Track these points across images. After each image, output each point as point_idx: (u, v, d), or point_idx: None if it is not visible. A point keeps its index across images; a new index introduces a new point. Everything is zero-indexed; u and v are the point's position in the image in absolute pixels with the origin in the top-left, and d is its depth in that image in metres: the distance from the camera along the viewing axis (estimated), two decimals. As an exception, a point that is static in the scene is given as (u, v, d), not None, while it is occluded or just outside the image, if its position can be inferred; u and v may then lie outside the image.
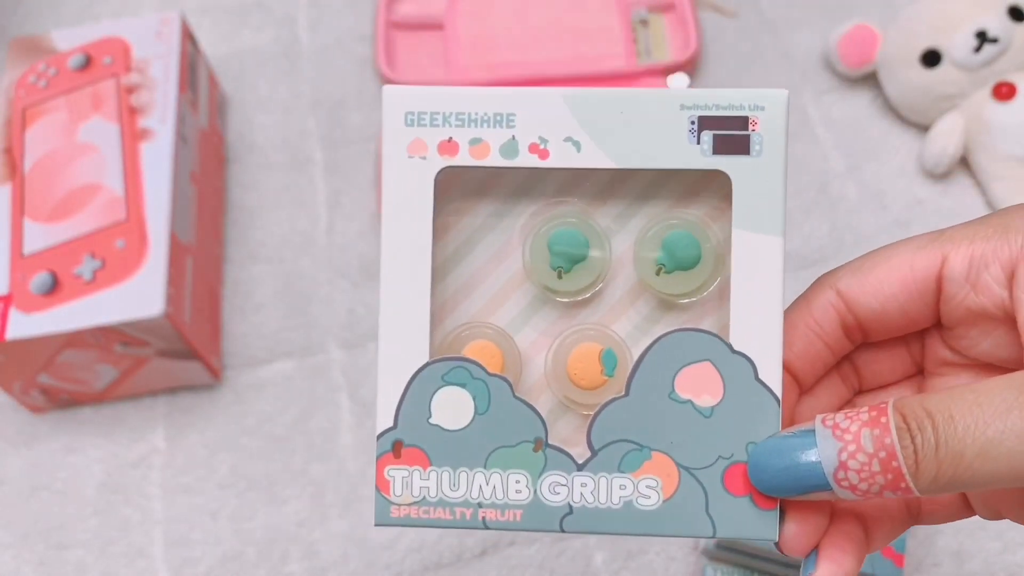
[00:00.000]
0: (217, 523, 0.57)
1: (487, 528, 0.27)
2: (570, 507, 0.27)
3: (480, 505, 0.27)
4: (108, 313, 0.54)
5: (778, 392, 0.28)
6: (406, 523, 0.27)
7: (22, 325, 0.54)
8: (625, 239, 0.31)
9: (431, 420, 0.27)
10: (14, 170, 0.60)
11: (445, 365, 0.28)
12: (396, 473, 0.27)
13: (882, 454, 0.25)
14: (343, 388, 0.61)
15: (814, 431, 0.26)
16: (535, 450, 0.27)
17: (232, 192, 0.69)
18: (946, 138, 0.67)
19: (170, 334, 0.55)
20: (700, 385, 0.27)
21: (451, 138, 0.29)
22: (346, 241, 0.67)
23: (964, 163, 0.69)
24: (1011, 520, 0.30)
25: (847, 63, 0.72)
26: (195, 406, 0.61)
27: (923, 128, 0.71)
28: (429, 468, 0.27)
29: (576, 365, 0.29)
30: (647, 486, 0.27)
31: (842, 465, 0.25)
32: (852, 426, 0.26)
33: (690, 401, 0.27)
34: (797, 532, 0.28)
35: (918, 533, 0.55)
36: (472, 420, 0.27)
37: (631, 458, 0.27)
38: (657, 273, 0.29)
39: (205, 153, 0.65)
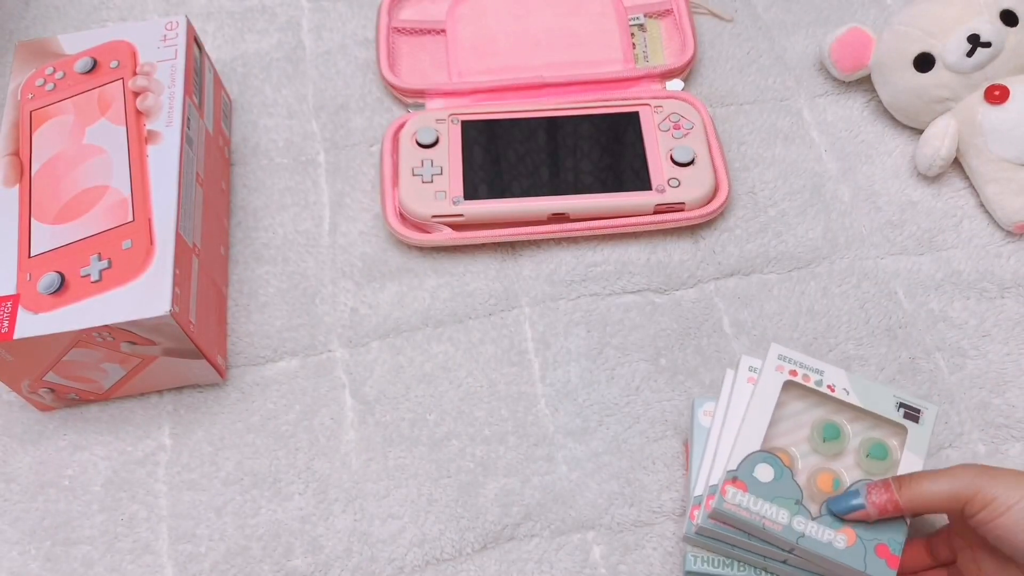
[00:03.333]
0: (222, 519, 0.58)
1: (764, 530, 0.50)
2: (803, 534, 0.50)
3: (763, 516, 0.50)
4: (115, 313, 0.54)
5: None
6: (730, 513, 0.50)
7: (30, 325, 0.54)
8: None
9: (753, 473, 0.51)
10: (22, 172, 0.60)
11: (764, 455, 0.52)
12: (730, 488, 0.51)
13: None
14: (346, 386, 0.62)
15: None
16: (796, 504, 0.51)
17: (237, 194, 0.70)
18: (939, 141, 0.68)
19: (176, 333, 0.56)
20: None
21: None
22: (349, 242, 0.68)
23: (957, 165, 0.70)
24: None
25: (841, 67, 0.73)
26: (201, 404, 0.62)
27: (916, 131, 0.72)
28: (747, 493, 0.51)
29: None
30: (841, 539, 0.50)
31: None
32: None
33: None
34: None
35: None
36: (772, 479, 0.51)
37: (837, 526, 0.50)
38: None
39: (211, 155, 0.66)
